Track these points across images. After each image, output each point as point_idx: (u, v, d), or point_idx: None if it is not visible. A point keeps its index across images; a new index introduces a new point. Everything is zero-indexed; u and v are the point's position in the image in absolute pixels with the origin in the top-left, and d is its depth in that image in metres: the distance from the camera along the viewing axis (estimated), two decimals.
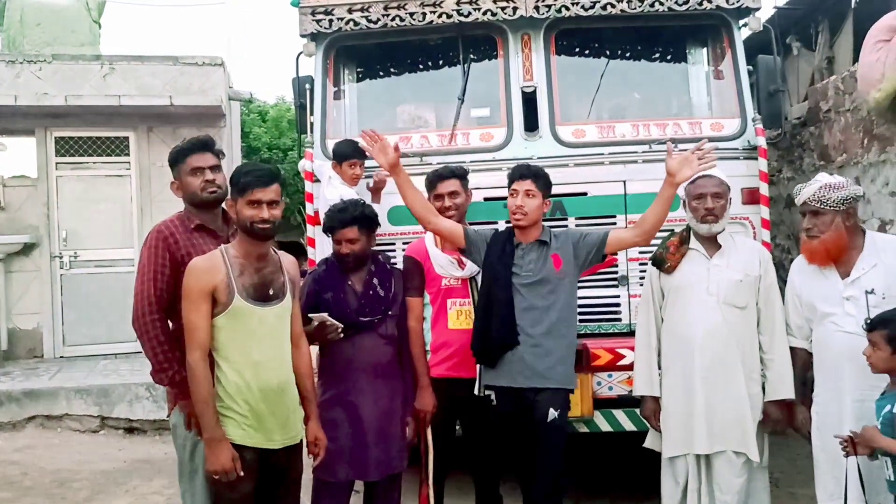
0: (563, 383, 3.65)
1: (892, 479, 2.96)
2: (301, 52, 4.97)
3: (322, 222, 3.77)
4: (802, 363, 3.56)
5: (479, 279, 3.86)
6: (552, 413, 3.57)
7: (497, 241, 3.76)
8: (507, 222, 4.48)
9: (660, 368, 3.74)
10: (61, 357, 8.56)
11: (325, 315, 3.44)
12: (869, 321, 3.08)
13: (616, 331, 4.53)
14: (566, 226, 4.45)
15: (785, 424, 3.63)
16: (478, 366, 3.76)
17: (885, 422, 2.98)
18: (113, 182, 8.75)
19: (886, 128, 5.13)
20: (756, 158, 4.55)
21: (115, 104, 8.10)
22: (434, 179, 3.93)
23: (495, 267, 3.68)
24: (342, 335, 3.49)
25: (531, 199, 3.66)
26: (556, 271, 3.65)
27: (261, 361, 3.01)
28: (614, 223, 4.48)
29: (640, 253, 4.48)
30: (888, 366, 3.00)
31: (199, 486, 3.27)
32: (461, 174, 3.96)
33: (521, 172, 3.72)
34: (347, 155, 4.46)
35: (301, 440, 3.21)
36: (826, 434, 3.36)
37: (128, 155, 8.74)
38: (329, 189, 4.42)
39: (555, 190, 4.37)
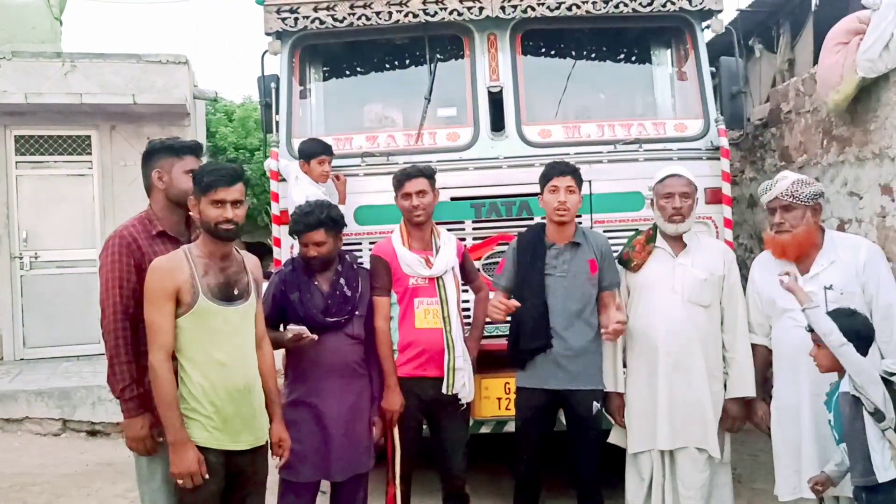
0: (598, 384, 3.80)
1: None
2: (266, 51, 4.94)
3: (289, 224, 3.74)
4: (763, 360, 3.62)
5: (446, 278, 3.87)
6: (595, 405, 3.76)
7: (526, 245, 3.82)
8: (474, 222, 4.52)
9: (625, 365, 3.78)
10: (22, 359, 8.38)
11: (303, 328, 3.43)
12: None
13: None
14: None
15: (744, 422, 3.70)
16: (446, 366, 3.77)
17: (836, 414, 3.05)
18: (74, 181, 8.60)
19: (845, 129, 5.24)
20: (719, 159, 4.61)
21: (77, 102, 7.96)
22: (402, 178, 3.92)
23: (527, 270, 3.75)
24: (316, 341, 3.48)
25: (573, 196, 3.72)
26: (590, 275, 3.75)
27: (226, 362, 2.98)
28: (580, 222, 4.51)
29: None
30: (832, 363, 3.05)
31: (157, 489, 3.19)
32: (429, 173, 3.96)
33: (562, 169, 3.75)
34: (315, 152, 4.44)
35: (267, 441, 3.19)
36: (786, 428, 3.43)
37: (90, 154, 8.59)
38: (296, 190, 4.39)
39: (521, 189, 4.42)
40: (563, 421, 3.95)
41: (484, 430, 4.42)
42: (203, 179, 2.99)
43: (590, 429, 3.80)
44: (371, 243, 4.28)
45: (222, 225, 2.96)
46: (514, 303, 3.65)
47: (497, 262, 4.20)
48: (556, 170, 3.76)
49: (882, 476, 2.88)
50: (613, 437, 3.88)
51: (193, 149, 3.38)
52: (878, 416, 2.90)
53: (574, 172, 3.76)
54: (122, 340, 3.09)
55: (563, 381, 3.72)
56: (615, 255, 3.92)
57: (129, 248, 3.14)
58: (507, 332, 3.92)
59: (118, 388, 3.11)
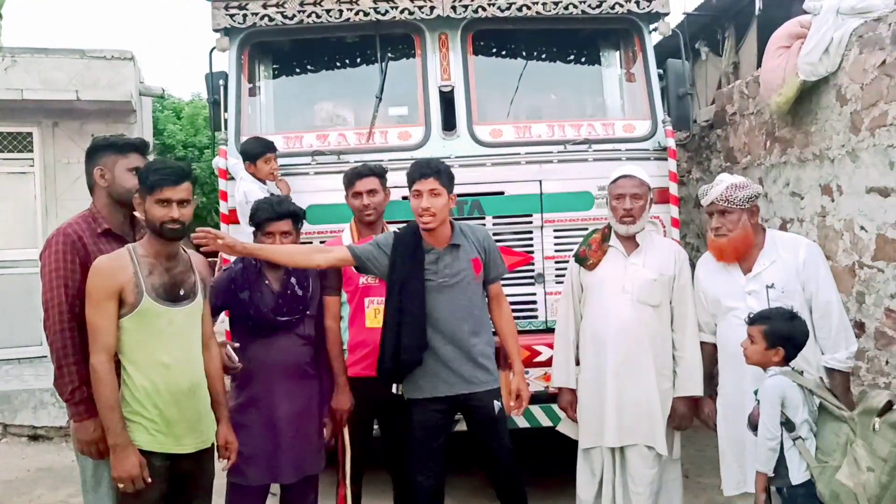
0: (495, 383, 3.61)
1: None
2: (214, 48, 4.87)
3: (252, 214, 3.64)
4: (709, 357, 3.69)
5: None
6: (497, 404, 3.56)
7: (403, 245, 3.54)
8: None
9: (578, 363, 3.82)
10: None
11: (234, 356, 3.38)
12: (750, 315, 3.23)
13: (532, 328, 4.61)
14: (484, 224, 4.49)
15: (691, 421, 3.75)
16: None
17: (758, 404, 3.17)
18: (15, 179, 8.34)
19: (787, 131, 5.37)
20: (666, 159, 4.70)
21: (17, 98, 7.73)
22: (353, 177, 3.89)
23: (405, 275, 3.49)
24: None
25: (437, 199, 3.45)
26: (475, 275, 3.59)
27: (170, 363, 2.92)
28: (530, 222, 4.55)
29: (557, 251, 4.58)
30: (761, 359, 3.16)
31: (103, 495, 3.10)
32: (380, 172, 3.94)
33: (422, 171, 3.47)
34: (259, 152, 4.40)
35: (213, 444, 3.14)
36: (730, 424, 3.50)
37: (31, 151, 8.35)
38: (239, 188, 4.38)
39: (472, 189, 4.43)
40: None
41: None
42: (148, 178, 2.91)
43: (495, 430, 3.59)
44: (322, 242, 4.25)
45: (168, 224, 2.89)
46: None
47: None
48: (416, 172, 3.47)
49: (795, 479, 3.04)
50: (563, 427, 3.90)
51: (138, 146, 3.28)
52: (788, 426, 3.05)
53: (437, 173, 3.45)
54: (68, 342, 2.98)
55: (458, 386, 3.52)
56: (572, 253, 3.90)
57: (74, 247, 3.04)
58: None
59: (67, 390, 3.00)
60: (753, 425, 3.16)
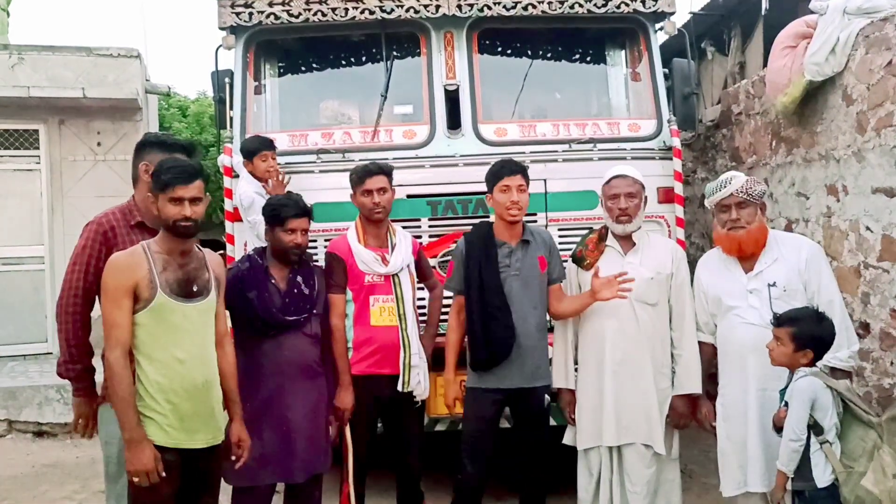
0: (549, 379, 3.85)
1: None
2: (220, 46, 4.88)
3: (275, 210, 3.63)
4: (708, 357, 3.69)
5: (401, 276, 3.86)
6: (546, 399, 3.82)
7: (476, 243, 3.77)
8: (431, 220, 4.53)
9: (577, 363, 3.83)
10: None
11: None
12: (777, 316, 3.21)
13: None
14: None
15: (689, 418, 3.76)
16: (401, 363, 3.77)
17: (785, 406, 3.13)
18: (21, 177, 8.37)
19: (793, 131, 5.36)
20: (671, 159, 4.69)
21: (24, 95, 7.77)
22: (363, 175, 3.87)
23: (481, 271, 3.71)
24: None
25: (523, 194, 3.70)
26: (541, 272, 3.76)
27: (185, 359, 2.95)
28: (535, 221, 4.54)
29: (561, 250, 4.53)
30: (788, 361, 3.15)
31: (124, 487, 3.12)
32: (388, 171, 3.94)
33: (512, 168, 3.71)
34: (255, 149, 4.41)
35: (223, 441, 3.15)
36: (732, 425, 3.50)
37: (37, 148, 8.38)
38: (240, 186, 4.41)
39: (477, 188, 4.42)
40: (508, 422, 3.96)
41: (439, 427, 4.42)
42: (161, 177, 2.96)
43: (542, 424, 3.84)
44: (326, 240, 4.25)
45: (181, 222, 2.95)
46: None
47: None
48: (506, 169, 3.72)
49: (821, 482, 3.02)
50: (567, 438, 3.91)
51: (185, 147, 3.43)
52: (816, 429, 3.04)
53: (524, 171, 3.73)
54: (78, 323, 3.20)
55: (518, 380, 3.72)
56: (568, 252, 3.95)
57: (105, 237, 3.22)
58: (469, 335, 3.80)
59: (61, 362, 3.22)
60: (778, 427, 3.14)
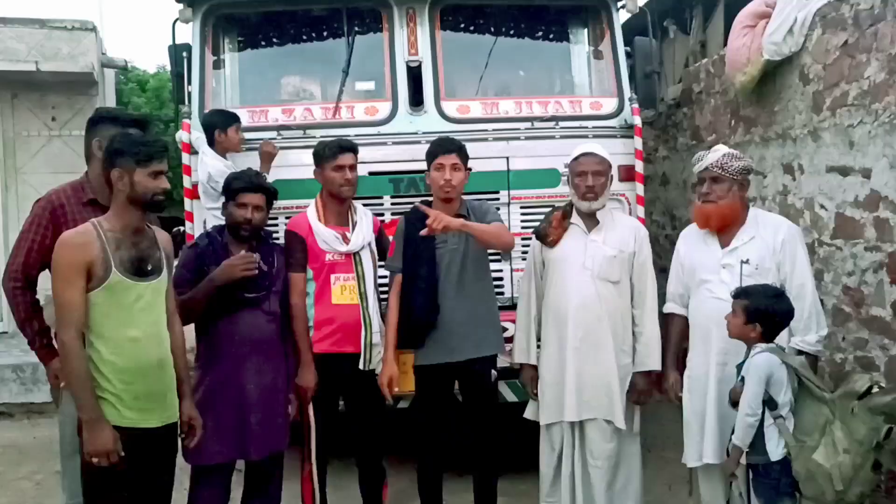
0: (494, 350, 3.86)
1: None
2: (177, 19, 4.77)
3: (227, 183, 3.66)
4: (679, 330, 3.74)
5: (362, 254, 3.85)
6: (493, 373, 3.82)
7: (414, 223, 3.72)
8: (393, 197, 4.51)
9: (539, 339, 3.86)
10: None
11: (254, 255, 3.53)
12: (736, 289, 3.27)
13: (499, 304, 4.61)
14: None
15: (649, 395, 3.81)
16: (363, 342, 3.77)
17: (741, 381, 3.19)
18: None
19: (751, 110, 5.43)
20: (632, 137, 4.71)
21: None
22: (336, 150, 3.83)
23: (417, 246, 3.69)
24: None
25: (458, 173, 3.69)
26: (477, 245, 3.74)
27: (139, 338, 2.91)
28: (497, 198, 4.55)
29: (523, 228, 4.59)
30: (740, 332, 3.21)
31: (78, 464, 3.11)
32: (356, 149, 3.92)
33: (447, 147, 3.71)
34: (229, 118, 4.36)
35: (177, 420, 3.13)
36: (695, 397, 3.56)
37: None
38: (203, 163, 4.33)
39: None
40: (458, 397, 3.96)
41: (402, 405, 4.43)
42: (140, 150, 2.92)
43: (489, 398, 3.86)
44: (287, 218, 4.21)
45: (159, 196, 2.95)
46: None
47: None
48: (441, 147, 3.72)
49: (774, 455, 3.10)
50: (529, 412, 3.95)
51: (139, 122, 3.40)
52: (771, 404, 3.10)
53: (460, 149, 3.72)
54: (11, 294, 3.30)
55: (459, 353, 3.71)
56: (531, 230, 3.97)
57: (54, 214, 3.20)
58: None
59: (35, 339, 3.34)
60: (734, 401, 3.20)
